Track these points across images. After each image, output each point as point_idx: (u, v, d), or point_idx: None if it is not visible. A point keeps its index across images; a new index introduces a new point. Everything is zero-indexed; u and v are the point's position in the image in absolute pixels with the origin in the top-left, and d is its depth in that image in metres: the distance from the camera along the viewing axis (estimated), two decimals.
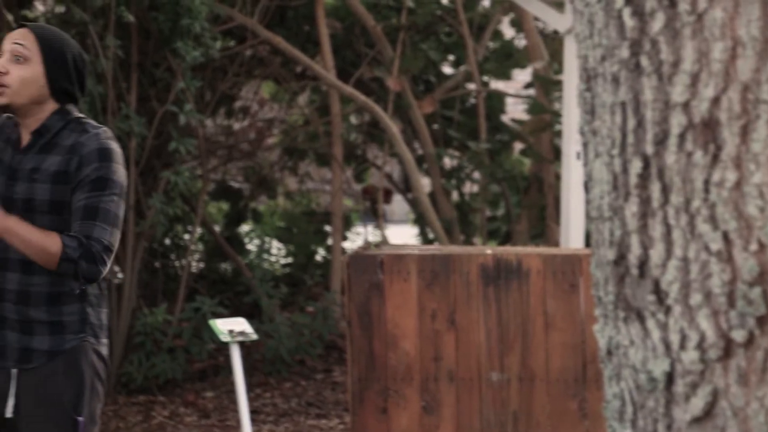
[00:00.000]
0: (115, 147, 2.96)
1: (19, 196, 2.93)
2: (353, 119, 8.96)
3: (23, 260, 2.93)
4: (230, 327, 4.81)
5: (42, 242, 2.85)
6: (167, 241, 7.87)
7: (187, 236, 7.86)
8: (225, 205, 9.36)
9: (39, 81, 2.92)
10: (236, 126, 9.09)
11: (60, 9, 6.49)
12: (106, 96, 6.29)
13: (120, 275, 6.67)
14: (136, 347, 6.51)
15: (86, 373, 2.96)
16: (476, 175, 8.64)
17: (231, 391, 6.39)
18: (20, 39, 2.94)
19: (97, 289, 3.00)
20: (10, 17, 5.96)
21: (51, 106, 2.96)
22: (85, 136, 2.94)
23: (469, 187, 9.04)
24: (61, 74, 2.94)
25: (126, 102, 6.43)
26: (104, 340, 3.04)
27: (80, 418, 2.93)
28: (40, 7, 6.75)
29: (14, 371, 2.94)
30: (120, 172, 2.93)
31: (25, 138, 2.98)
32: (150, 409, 6.29)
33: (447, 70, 8.98)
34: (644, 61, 1.48)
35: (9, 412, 2.93)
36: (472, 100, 8.66)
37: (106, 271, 2.90)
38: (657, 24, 1.46)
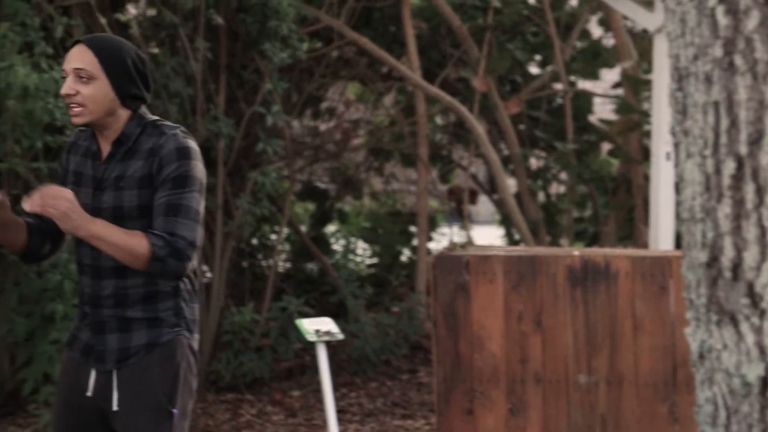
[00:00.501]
0: (193, 145, 3.00)
1: (107, 205, 2.99)
2: (439, 120, 8.95)
3: (116, 266, 2.99)
4: (316, 327, 4.84)
5: (129, 244, 2.90)
6: (254, 241, 7.95)
7: (273, 236, 7.93)
8: (311, 206, 9.42)
9: (108, 94, 2.98)
10: (322, 127, 9.14)
11: (151, 12, 6.59)
12: (195, 97, 6.38)
13: (208, 274, 6.75)
14: (224, 346, 6.59)
15: (181, 367, 3.02)
16: (563, 175, 8.57)
17: (317, 390, 6.43)
18: (80, 58, 2.98)
19: (189, 284, 3.07)
20: (103, 20, 6.07)
21: (124, 113, 3.01)
22: (163, 138, 2.98)
23: (556, 188, 8.97)
24: (126, 81, 2.99)
25: (215, 103, 6.51)
26: (196, 335, 3.11)
27: (174, 410, 2.99)
28: (132, 10, 6.87)
29: (114, 371, 3.01)
30: (199, 169, 2.98)
31: (106, 148, 3.04)
32: (238, 407, 6.36)
33: (533, 70, 8.92)
34: (738, 60, 1.45)
35: (115, 406, 2.99)
36: (559, 100, 8.59)
37: (191, 267, 2.95)
38: (752, 22, 1.43)
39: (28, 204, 2.85)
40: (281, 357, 6.80)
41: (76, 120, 2.98)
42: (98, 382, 3.02)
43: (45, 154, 5.71)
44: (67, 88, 2.97)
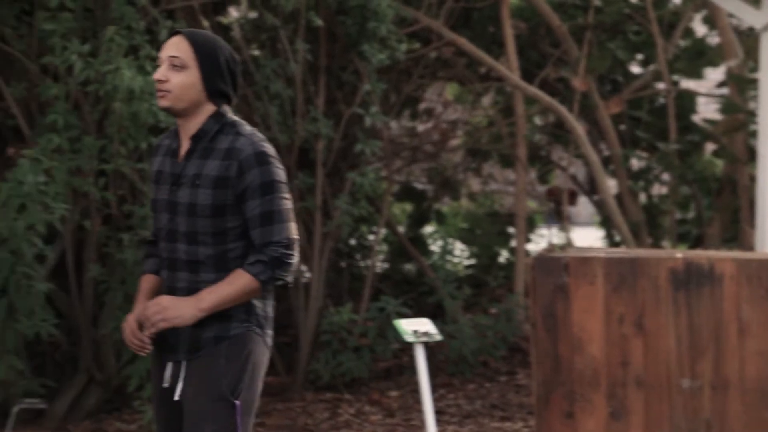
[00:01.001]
0: (269, 148, 3.09)
1: (183, 201, 3.08)
2: (538, 120, 8.88)
3: (191, 260, 3.07)
4: (415, 327, 4.83)
5: (238, 290, 3.03)
6: (353, 242, 7.98)
7: (371, 237, 7.96)
8: (409, 206, 9.42)
9: (197, 85, 3.07)
10: (420, 127, 9.15)
11: (253, 14, 6.67)
12: (295, 99, 6.43)
13: (307, 274, 6.80)
14: (323, 345, 6.63)
15: (248, 361, 3.07)
16: (665, 176, 8.43)
17: (415, 391, 6.43)
18: (176, 47, 3.09)
19: None
20: (205, 23, 6.16)
21: (208, 108, 3.10)
22: (239, 141, 3.06)
23: (658, 189, 8.82)
24: (216, 76, 3.09)
25: (314, 105, 6.56)
26: (269, 332, 3.15)
27: (237, 402, 3.03)
28: (233, 13, 6.96)
29: (185, 362, 3.09)
30: (280, 172, 3.08)
31: (185, 144, 3.12)
32: (336, 406, 6.39)
33: (635, 69, 8.79)
34: None
35: (177, 396, 3.08)
36: (662, 100, 8.45)
37: (296, 259, 3.06)
38: None
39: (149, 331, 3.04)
40: (379, 357, 6.82)
41: (161, 102, 3.08)
42: (172, 373, 3.10)
43: (149, 155, 5.81)
44: (159, 73, 3.07)
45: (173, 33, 3.14)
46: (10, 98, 5.80)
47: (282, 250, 3.02)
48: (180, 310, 3.00)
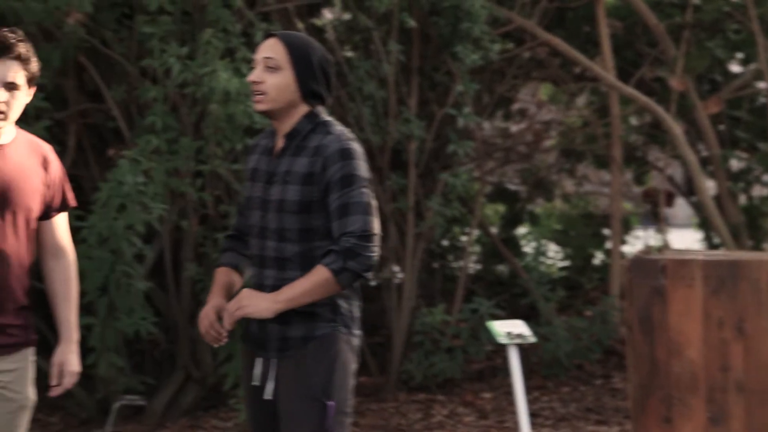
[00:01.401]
0: (356, 146, 3.11)
1: (274, 198, 3.12)
2: (633, 120, 8.76)
3: (279, 257, 3.11)
4: (508, 329, 4.81)
5: (313, 282, 3.04)
6: (445, 243, 7.97)
7: (464, 238, 7.94)
8: (502, 207, 9.38)
9: (291, 86, 3.11)
10: (513, 128, 9.10)
11: (346, 16, 6.71)
12: (387, 100, 6.45)
13: (400, 275, 6.82)
14: (416, 346, 6.63)
15: (336, 361, 3.09)
16: (766, 177, 8.24)
17: (509, 393, 6.40)
18: (271, 49, 3.13)
19: None
20: (300, 25, 6.22)
21: (302, 109, 3.15)
22: (327, 138, 3.11)
23: (759, 190, 8.63)
24: (310, 78, 3.13)
25: (406, 105, 6.56)
26: (356, 332, 3.16)
27: (330, 403, 3.04)
28: (327, 15, 7.01)
29: (274, 360, 3.11)
30: (362, 168, 3.09)
31: (280, 143, 3.17)
32: (429, 407, 6.39)
33: (735, 68, 8.61)
34: None
35: (268, 395, 3.10)
36: (763, 100, 8.27)
37: (374, 253, 3.04)
38: None
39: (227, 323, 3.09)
40: (472, 358, 6.80)
41: (258, 106, 3.13)
42: (262, 371, 3.13)
43: (245, 156, 5.89)
44: (254, 75, 3.12)
45: (268, 35, 3.19)
46: (110, 100, 5.93)
47: (354, 241, 3.02)
48: (257, 301, 3.03)
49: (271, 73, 3.10)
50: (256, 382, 3.13)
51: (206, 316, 3.16)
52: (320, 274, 3.02)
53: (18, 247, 3.26)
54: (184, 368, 6.08)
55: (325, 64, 3.15)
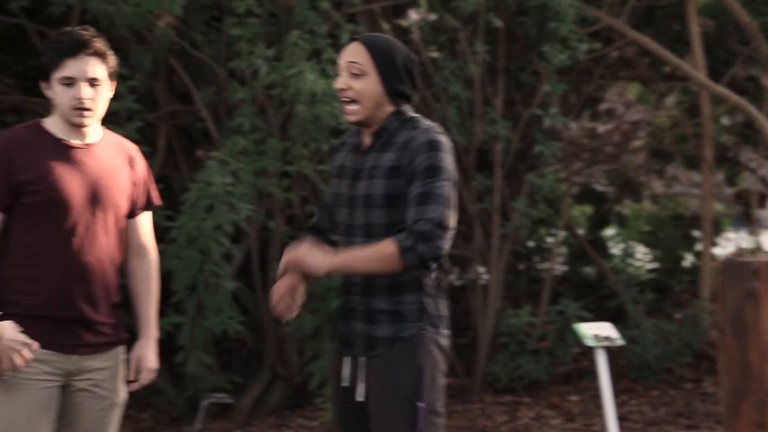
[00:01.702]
0: (444, 140, 3.10)
1: (360, 193, 3.12)
2: (725, 120, 8.60)
3: None
4: (596, 331, 4.75)
5: (376, 251, 3.02)
6: (531, 244, 7.91)
7: (550, 239, 7.88)
8: (588, 208, 9.29)
9: (377, 89, 3.12)
10: (601, 128, 9.00)
11: (432, 16, 6.71)
12: (473, 100, 6.43)
13: (485, 276, 6.79)
14: (501, 347, 6.60)
15: (425, 362, 3.06)
16: None
17: (596, 396, 6.32)
18: (354, 54, 3.13)
19: (434, 279, 3.11)
20: (386, 26, 6.23)
21: (388, 108, 3.15)
22: (415, 132, 3.10)
23: None
24: (395, 78, 3.12)
25: (492, 106, 6.53)
26: (444, 331, 3.14)
27: (420, 404, 3.02)
28: (413, 16, 7.01)
29: (362, 359, 3.10)
30: (448, 161, 3.07)
31: (366, 140, 3.17)
32: (515, 409, 6.35)
33: None
34: None
35: (360, 397, 3.09)
36: None
37: (445, 246, 3.01)
38: None
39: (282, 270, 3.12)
40: (559, 360, 6.73)
41: (351, 118, 3.14)
42: (351, 371, 3.12)
43: (331, 157, 5.92)
44: (340, 82, 3.13)
45: (350, 40, 3.19)
46: (200, 102, 6.01)
47: (430, 227, 3.00)
48: (315, 254, 3.03)
49: (356, 78, 3.11)
50: (345, 383, 3.13)
51: (278, 288, 3.17)
52: (387, 246, 3.00)
53: (109, 246, 3.30)
54: (270, 367, 6.13)
55: (408, 64, 3.15)
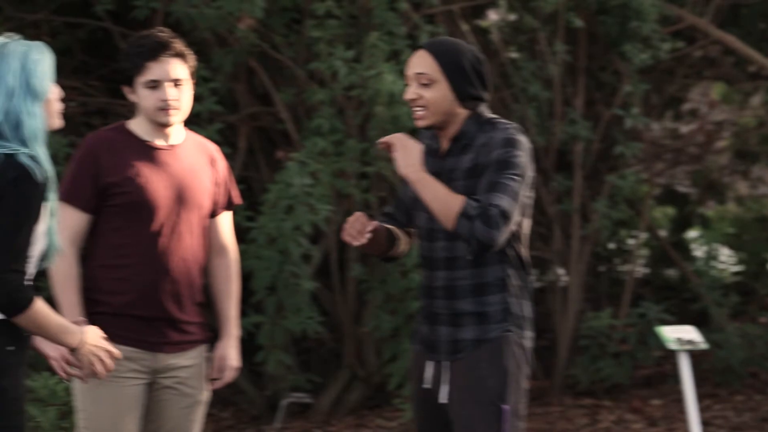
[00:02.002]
0: (522, 138, 3.08)
1: None
2: None
3: (448, 257, 3.09)
4: (678, 334, 4.69)
5: (447, 196, 3.00)
6: (611, 246, 7.82)
7: (631, 241, 7.78)
8: (671, 210, 9.16)
9: (447, 96, 3.10)
10: (684, 129, 8.87)
11: (512, 17, 6.67)
12: (553, 101, 6.38)
13: (565, 278, 6.73)
14: (581, 350, 6.53)
15: (509, 364, 3.04)
16: None
17: (679, 400, 6.23)
18: (421, 63, 3.12)
19: (518, 280, 3.09)
20: (465, 27, 6.21)
21: (463, 112, 3.13)
22: (495, 132, 3.09)
23: None
24: (464, 83, 3.10)
25: (572, 106, 6.48)
26: (528, 333, 3.11)
27: (505, 407, 3.00)
28: (492, 16, 6.98)
29: (446, 363, 3.08)
30: (524, 159, 3.05)
31: (444, 144, 3.16)
32: (596, 412, 6.29)
33: None
34: None
35: (443, 399, 3.08)
36: None
37: (500, 238, 2.98)
38: None
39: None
40: (640, 364, 6.65)
41: (420, 123, 3.13)
42: (434, 373, 3.11)
43: None
44: (410, 93, 3.12)
45: (415, 48, 3.19)
46: (280, 103, 6.05)
47: (495, 211, 2.97)
48: (407, 153, 3.02)
49: (426, 88, 3.09)
50: (426, 385, 3.12)
51: (355, 216, 3.12)
52: (456, 200, 2.99)
53: (193, 245, 3.34)
54: (349, 367, 6.15)
55: (477, 65, 3.12)
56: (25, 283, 2.73)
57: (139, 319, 3.28)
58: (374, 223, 3.10)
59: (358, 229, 3.10)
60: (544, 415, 6.23)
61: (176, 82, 3.31)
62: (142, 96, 3.32)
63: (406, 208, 3.27)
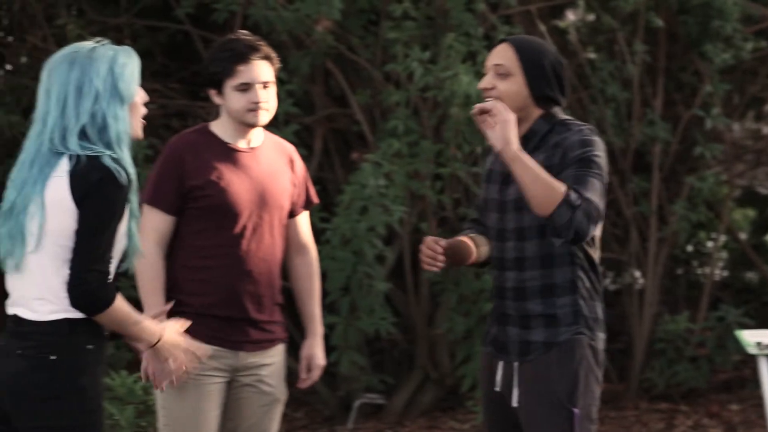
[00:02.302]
0: (598, 140, 3.05)
1: (511, 198, 3.09)
2: None
3: (518, 258, 3.07)
4: (759, 338, 4.62)
5: (549, 179, 2.95)
6: (690, 248, 7.72)
7: (710, 243, 7.66)
8: (752, 212, 9.00)
9: (522, 92, 3.07)
10: (766, 130, 8.70)
11: (590, 17, 6.61)
12: (631, 101, 6.31)
13: (641, 280, 6.66)
14: (658, 353, 6.46)
15: (581, 367, 3.02)
16: None
17: (758, 406, 6.13)
18: (501, 55, 3.10)
19: (589, 282, 3.07)
20: (542, 28, 6.17)
21: (536, 112, 3.10)
22: (568, 133, 3.05)
23: None
24: (542, 82, 3.08)
25: (651, 107, 6.41)
26: (600, 335, 3.08)
27: (575, 410, 2.98)
28: (570, 16, 6.93)
29: (516, 364, 3.07)
30: (602, 158, 3.02)
31: None
32: (672, 417, 6.22)
33: None
34: None
35: (515, 402, 3.06)
36: None
37: (591, 232, 2.96)
38: None
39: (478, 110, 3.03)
40: (719, 368, 6.55)
41: None
42: (504, 376, 3.09)
43: (484, 159, 5.90)
44: (485, 82, 3.11)
45: (499, 41, 3.17)
46: (355, 105, 6.08)
47: (595, 210, 2.95)
48: (506, 127, 2.95)
49: (501, 79, 3.07)
50: (497, 388, 3.11)
51: (429, 239, 3.13)
52: (559, 185, 2.94)
53: (273, 246, 3.37)
54: (422, 368, 6.15)
55: (558, 68, 3.10)
56: (107, 282, 2.78)
57: (220, 319, 3.32)
58: (444, 243, 3.09)
59: (430, 255, 3.11)
60: (619, 419, 6.17)
61: (265, 84, 3.35)
62: (232, 99, 3.34)
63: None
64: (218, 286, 3.31)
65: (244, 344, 3.34)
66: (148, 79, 6.30)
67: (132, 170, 2.81)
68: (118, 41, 6.76)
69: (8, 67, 6.59)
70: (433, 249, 3.11)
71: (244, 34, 3.42)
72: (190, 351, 2.90)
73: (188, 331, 2.98)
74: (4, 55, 6.53)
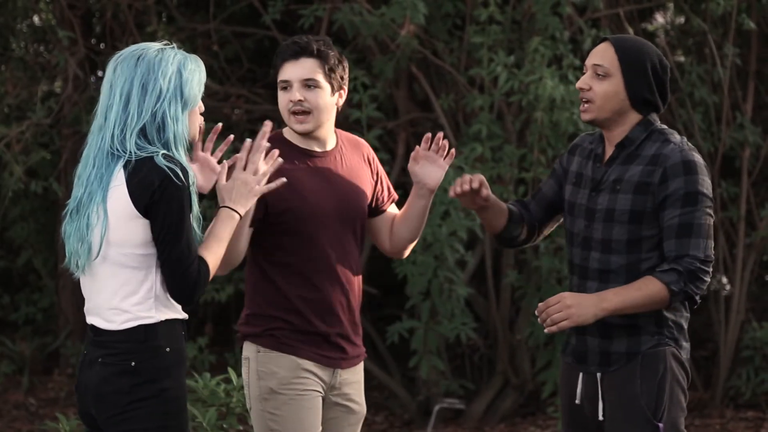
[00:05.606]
0: (699, 159, 2.96)
1: (601, 207, 3.01)
2: None
3: (602, 269, 3.01)
4: None
5: (647, 296, 2.93)
6: None
7: None
8: None
9: (620, 94, 2.99)
10: None
11: (679, 20, 6.50)
12: (720, 105, 6.20)
13: (728, 287, 6.55)
14: (744, 361, 6.35)
15: (665, 378, 2.96)
16: None
17: None
18: (601, 55, 3.01)
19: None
20: (630, 30, 6.09)
21: (633, 117, 3.02)
22: (667, 148, 2.96)
23: None
24: (641, 85, 2.99)
25: (741, 111, 6.29)
26: (683, 344, 3.02)
27: (660, 424, 2.93)
28: (659, 19, 6.82)
29: (598, 375, 3.02)
30: (706, 184, 2.95)
31: (609, 150, 3.05)
32: (759, 426, 6.12)
33: None
34: None
35: (600, 416, 3.01)
36: None
37: (708, 280, 2.94)
38: None
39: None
40: None
41: (584, 116, 3.03)
42: (585, 387, 3.04)
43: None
44: (582, 82, 3.04)
45: (601, 40, 3.08)
46: (439, 109, 6.07)
47: (698, 264, 2.91)
48: (583, 308, 2.90)
49: (599, 80, 3.00)
50: (578, 401, 3.06)
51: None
52: (658, 290, 2.91)
53: (355, 253, 3.25)
54: (502, 374, 6.14)
55: (660, 71, 3.00)
56: (200, 273, 2.81)
57: (318, 336, 3.20)
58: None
59: (467, 180, 3.03)
60: (704, 427, 6.09)
61: (308, 83, 3.16)
62: (279, 98, 3.22)
63: (547, 204, 3.18)
64: (311, 300, 3.18)
65: (341, 361, 3.23)
66: (234, 84, 6.44)
67: (190, 172, 2.81)
68: (207, 47, 6.87)
69: (100, 73, 6.73)
70: (473, 180, 3.03)
71: (309, 35, 3.31)
72: (261, 172, 2.94)
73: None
74: (96, 63, 6.67)
